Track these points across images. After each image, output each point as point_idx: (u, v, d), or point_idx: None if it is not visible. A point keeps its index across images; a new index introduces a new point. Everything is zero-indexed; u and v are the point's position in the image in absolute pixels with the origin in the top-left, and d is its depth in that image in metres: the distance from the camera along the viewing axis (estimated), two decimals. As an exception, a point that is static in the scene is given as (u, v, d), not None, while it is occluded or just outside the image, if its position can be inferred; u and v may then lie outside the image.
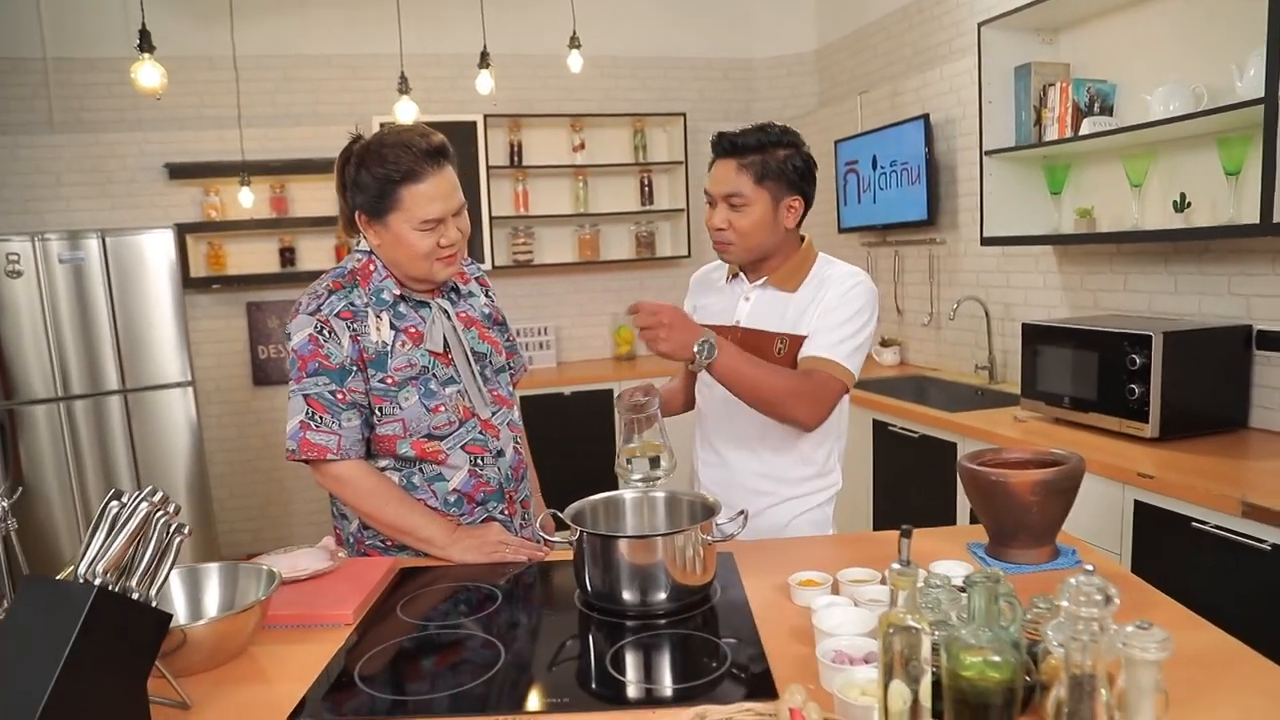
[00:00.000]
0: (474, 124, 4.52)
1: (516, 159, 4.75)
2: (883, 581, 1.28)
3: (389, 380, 1.57)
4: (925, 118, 3.72)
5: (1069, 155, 2.98)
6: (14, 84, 4.14)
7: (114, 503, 1.00)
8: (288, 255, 4.51)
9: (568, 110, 4.80)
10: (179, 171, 4.30)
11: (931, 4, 3.84)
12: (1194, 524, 1.99)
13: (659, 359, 1.63)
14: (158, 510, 1.00)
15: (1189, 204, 2.53)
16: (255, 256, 4.50)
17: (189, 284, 4.19)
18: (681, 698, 1.05)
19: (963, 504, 2.82)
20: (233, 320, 4.53)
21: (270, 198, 4.45)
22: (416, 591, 1.44)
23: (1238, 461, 2.18)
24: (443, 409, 1.60)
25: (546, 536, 1.46)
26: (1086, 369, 2.51)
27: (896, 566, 0.88)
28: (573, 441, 4.35)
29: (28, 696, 0.84)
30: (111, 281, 3.75)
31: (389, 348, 1.58)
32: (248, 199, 4.25)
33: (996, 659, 0.85)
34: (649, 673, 1.16)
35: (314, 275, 1.69)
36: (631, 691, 1.09)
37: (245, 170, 4.24)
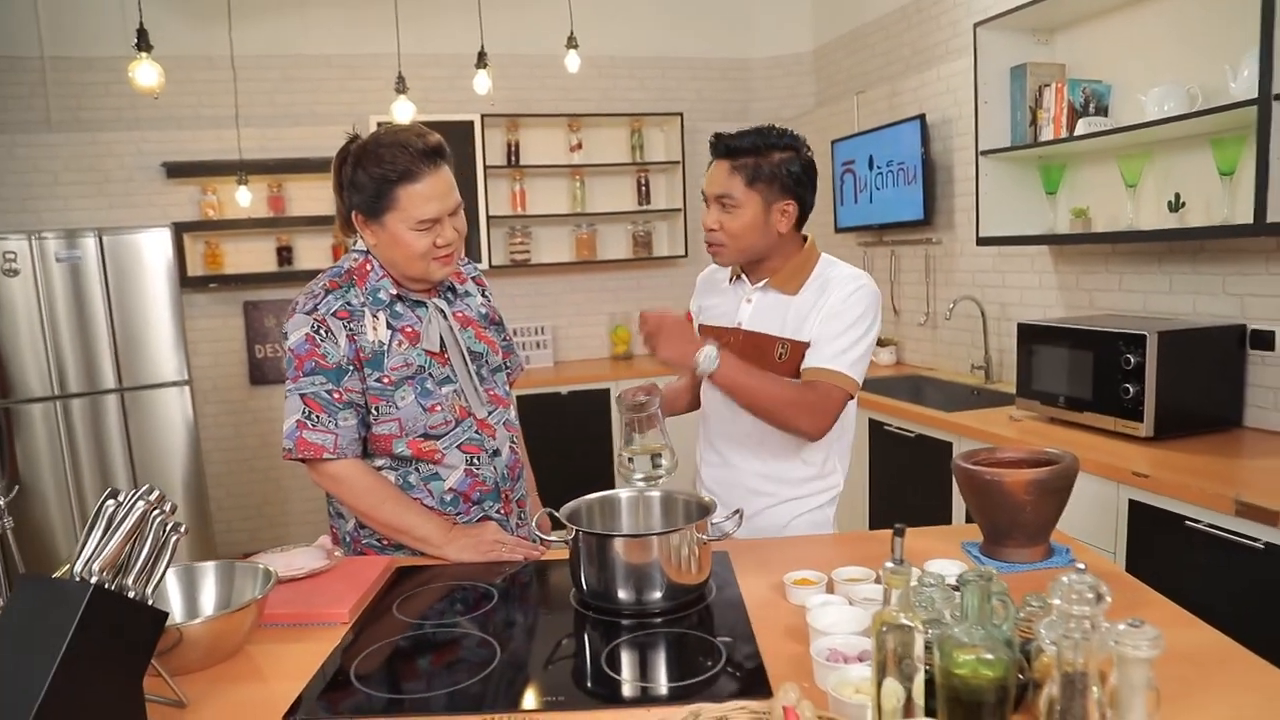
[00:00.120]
0: (471, 124, 4.52)
1: (514, 159, 4.75)
2: (877, 580, 1.29)
3: (385, 380, 1.57)
4: (921, 118, 3.73)
5: (1064, 155, 2.99)
6: (12, 83, 4.14)
7: (110, 501, 1.00)
8: (285, 254, 4.50)
9: (565, 110, 4.80)
10: (176, 170, 4.29)
11: (928, 4, 3.85)
12: (1188, 523, 2.00)
13: (656, 359, 1.63)
14: (154, 509, 1.01)
15: (1184, 204, 2.54)
16: (252, 256, 4.49)
17: (186, 283, 4.18)
18: (676, 696, 1.05)
19: (958, 503, 2.83)
20: (230, 319, 4.53)
21: (268, 197, 4.45)
22: (412, 590, 1.44)
23: (1232, 461, 2.19)
24: (439, 408, 1.60)
25: (542, 536, 1.46)
26: (1082, 368, 2.52)
27: (890, 565, 0.88)
28: (570, 441, 4.36)
29: (24, 695, 0.84)
30: (108, 280, 3.74)
31: (385, 347, 1.58)
32: (245, 198, 4.25)
33: (989, 657, 0.86)
34: (644, 671, 1.17)
35: (311, 274, 1.69)
36: (627, 690, 1.09)
37: (243, 169, 4.23)
